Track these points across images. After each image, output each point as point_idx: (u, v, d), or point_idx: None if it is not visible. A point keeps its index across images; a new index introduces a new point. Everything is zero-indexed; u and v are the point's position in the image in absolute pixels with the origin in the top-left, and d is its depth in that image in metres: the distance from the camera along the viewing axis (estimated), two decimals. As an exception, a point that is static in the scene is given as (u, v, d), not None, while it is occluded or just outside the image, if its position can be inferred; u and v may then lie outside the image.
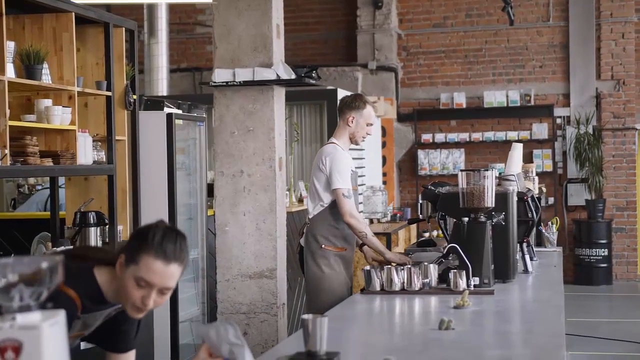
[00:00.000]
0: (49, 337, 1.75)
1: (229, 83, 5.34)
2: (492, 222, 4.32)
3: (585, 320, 9.46)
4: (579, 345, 8.04)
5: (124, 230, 5.79)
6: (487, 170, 4.32)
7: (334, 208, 5.02)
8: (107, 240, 5.54)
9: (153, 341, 5.80)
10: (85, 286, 2.62)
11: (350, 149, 5.17)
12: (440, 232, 5.74)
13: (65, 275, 2.59)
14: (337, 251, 5.04)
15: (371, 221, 10.00)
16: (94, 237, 5.36)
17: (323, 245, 5.02)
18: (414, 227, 10.61)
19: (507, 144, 11.23)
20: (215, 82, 5.38)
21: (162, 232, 2.55)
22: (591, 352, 7.90)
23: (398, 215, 10.37)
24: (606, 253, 11.82)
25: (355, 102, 5.14)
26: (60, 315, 1.80)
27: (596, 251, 11.79)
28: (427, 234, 9.88)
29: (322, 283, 4.98)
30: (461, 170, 4.34)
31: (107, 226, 5.52)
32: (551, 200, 12.14)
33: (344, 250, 5.06)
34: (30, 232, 6.01)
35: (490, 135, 12.30)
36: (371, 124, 5.17)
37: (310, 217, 5.12)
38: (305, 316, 2.64)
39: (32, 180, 8.35)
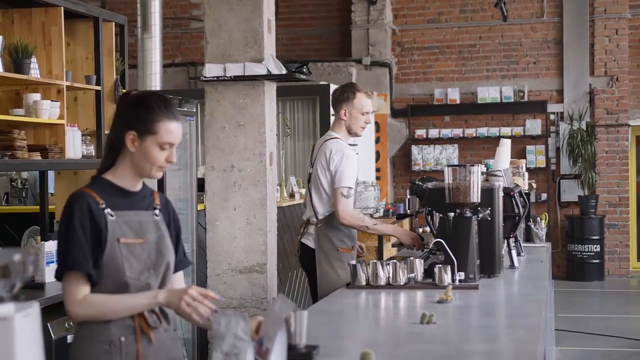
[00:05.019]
0: (21, 329, 1.76)
1: (220, 78, 5.34)
2: (478, 217, 4.33)
3: (577, 316, 9.49)
4: (570, 341, 8.07)
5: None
6: (473, 165, 4.33)
7: None
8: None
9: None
10: (100, 185, 2.78)
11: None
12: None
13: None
14: (350, 252, 4.98)
15: (364, 216, 10.02)
16: (83, 231, 5.35)
17: (339, 248, 4.94)
18: (407, 222, 10.63)
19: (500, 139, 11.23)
20: (206, 77, 5.38)
21: (160, 98, 2.82)
22: (581, 348, 7.93)
23: (391, 210, 10.38)
24: (598, 249, 11.85)
25: (344, 93, 5.00)
26: (34, 307, 1.82)
27: (589, 247, 11.82)
28: (421, 230, 9.88)
29: (337, 285, 4.71)
30: (447, 166, 4.35)
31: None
32: (544, 196, 12.16)
33: (353, 249, 5.05)
34: (22, 225, 6.02)
35: (483, 131, 12.32)
36: (366, 112, 5.01)
37: (319, 217, 4.98)
38: (285, 310, 2.66)
39: (25, 174, 8.35)
